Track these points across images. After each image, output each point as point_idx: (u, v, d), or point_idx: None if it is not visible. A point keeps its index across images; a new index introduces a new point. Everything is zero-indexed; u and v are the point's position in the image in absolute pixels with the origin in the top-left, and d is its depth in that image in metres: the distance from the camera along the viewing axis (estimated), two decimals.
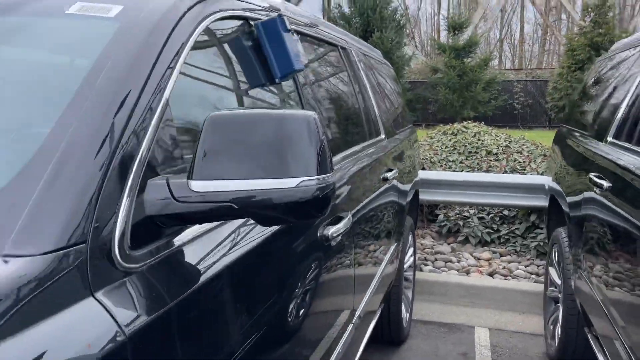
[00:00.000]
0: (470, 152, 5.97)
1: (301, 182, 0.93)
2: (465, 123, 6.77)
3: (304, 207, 0.94)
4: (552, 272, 3.34)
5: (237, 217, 0.98)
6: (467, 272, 4.38)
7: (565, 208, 3.07)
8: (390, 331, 3.25)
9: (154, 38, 1.10)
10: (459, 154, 5.96)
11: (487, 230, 4.95)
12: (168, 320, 0.90)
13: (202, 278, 1.01)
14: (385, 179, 2.62)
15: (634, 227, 1.94)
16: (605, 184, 2.32)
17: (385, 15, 13.70)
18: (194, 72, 1.24)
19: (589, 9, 15.09)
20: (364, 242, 2.21)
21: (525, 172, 5.43)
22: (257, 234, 1.24)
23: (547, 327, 3.33)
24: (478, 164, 5.73)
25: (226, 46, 1.42)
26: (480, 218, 5.08)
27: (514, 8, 31.88)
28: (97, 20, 1.16)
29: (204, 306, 1.01)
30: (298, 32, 1.81)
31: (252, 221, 1.20)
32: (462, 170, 5.58)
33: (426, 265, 4.51)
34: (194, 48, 1.20)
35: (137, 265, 0.90)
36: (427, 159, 5.76)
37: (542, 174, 5.05)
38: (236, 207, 0.93)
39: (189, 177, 0.93)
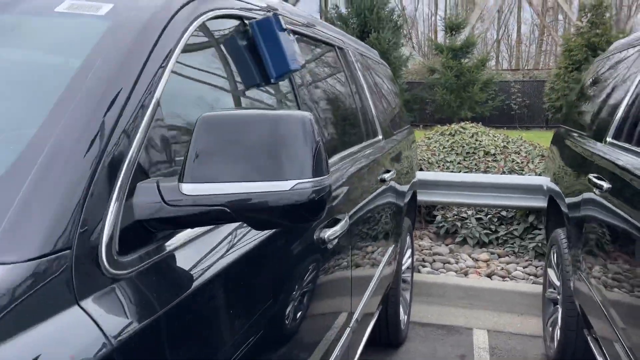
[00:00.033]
0: (468, 153, 5.95)
1: (296, 184, 0.90)
2: (462, 124, 6.75)
3: (299, 211, 0.91)
4: (551, 273, 3.32)
5: (230, 221, 0.95)
6: (466, 274, 4.36)
7: (564, 209, 3.05)
8: (388, 333, 3.22)
9: (145, 36, 1.08)
10: (457, 154, 5.94)
11: (485, 231, 4.93)
12: (158, 329, 0.86)
13: (195, 284, 0.98)
14: (383, 180, 2.59)
15: (634, 228, 1.92)
16: (605, 184, 2.30)
17: (383, 15, 13.72)
18: (187, 72, 1.22)
19: (586, 10, 15.14)
20: (362, 244, 2.18)
21: (523, 172, 5.42)
22: (252, 237, 1.21)
23: (546, 328, 3.31)
24: (476, 164, 5.72)
25: (220, 45, 1.40)
26: (478, 219, 5.07)
27: (511, 8, 31.92)
28: (87, 18, 1.14)
29: (196, 313, 0.97)
30: (295, 32, 1.79)
31: (245, 224, 1.18)
32: (459, 171, 5.56)
33: (424, 266, 4.49)
34: (186, 47, 1.17)
35: (125, 272, 0.86)
36: (424, 159, 5.74)
37: (540, 175, 5.03)
38: (229, 210, 0.90)
39: (180, 180, 0.90)
